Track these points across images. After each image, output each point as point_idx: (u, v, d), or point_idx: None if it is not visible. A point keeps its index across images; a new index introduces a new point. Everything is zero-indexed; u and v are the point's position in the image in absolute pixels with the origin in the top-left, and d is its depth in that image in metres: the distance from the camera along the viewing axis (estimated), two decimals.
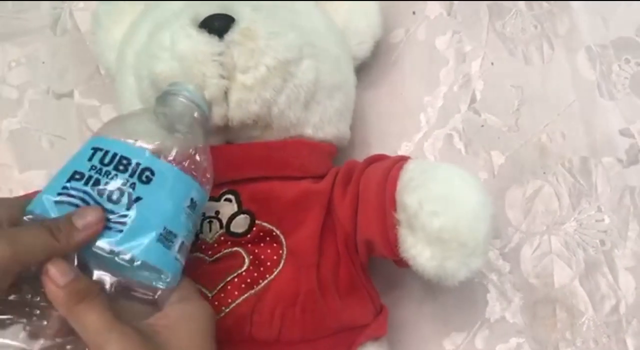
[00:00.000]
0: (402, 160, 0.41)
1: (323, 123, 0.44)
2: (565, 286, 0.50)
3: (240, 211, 0.41)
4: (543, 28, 0.56)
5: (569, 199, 0.52)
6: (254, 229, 0.41)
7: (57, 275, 0.30)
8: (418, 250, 0.38)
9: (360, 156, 0.52)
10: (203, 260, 0.41)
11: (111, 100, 0.55)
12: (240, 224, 0.41)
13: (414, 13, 0.56)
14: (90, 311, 0.30)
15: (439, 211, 0.37)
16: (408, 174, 0.39)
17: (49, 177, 0.52)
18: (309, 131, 0.43)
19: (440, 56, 0.55)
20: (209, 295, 0.40)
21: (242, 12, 0.39)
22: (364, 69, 0.52)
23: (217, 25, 0.39)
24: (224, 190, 0.41)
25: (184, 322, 0.34)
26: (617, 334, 0.49)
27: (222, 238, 0.41)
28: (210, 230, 0.41)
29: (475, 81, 0.54)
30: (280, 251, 0.41)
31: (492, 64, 0.55)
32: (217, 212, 0.41)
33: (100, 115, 0.55)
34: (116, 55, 0.47)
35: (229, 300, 0.40)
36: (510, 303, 0.50)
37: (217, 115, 0.39)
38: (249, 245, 0.41)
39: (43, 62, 0.56)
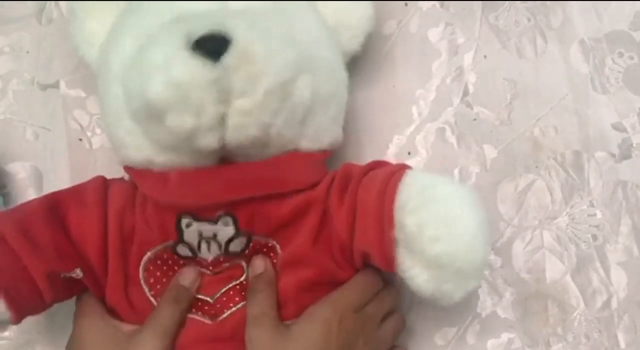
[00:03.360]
0: (400, 171, 0.40)
1: (318, 134, 0.42)
2: (557, 281, 0.50)
3: (237, 234, 0.40)
4: (536, 21, 0.55)
5: (561, 194, 0.52)
6: (251, 245, 0.41)
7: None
8: (416, 272, 0.38)
9: (351, 150, 0.51)
10: (204, 274, 0.42)
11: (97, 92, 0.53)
12: (237, 245, 0.41)
13: (406, 4, 0.56)
14: None
15: (439, 236, 0.36)
16: (406, 190, 0.38)
17: (34, 170, 0.52)
18: (304, 144, 0.42)
19: (433, 48, 0.55)
20: (211, 301, 0.41)
21: (236, 31, 0.36)
22: (355, 62, 0.51)
23: (213, 47, 0.36)
24: (220, 213, 0.40)
25: None
26: (609, 329, 0.49)
27: (221, 259, 0.41)
28: (209, 251, 0.41)
29: (467, 74, 0.54)
30: (275, 260, 0.41)
31: (485, 56, 0.54)
32: (215, 235, 0.40)
33: (87, 107, 0.54)
34: (98, 55, 0.45)
35: (231, 305, 0.41)
36: (501, 298, 0.50)
37: (214, 139, 0.37)
38: (247, 258, 0.42)
39: (27, 52, 0.55)
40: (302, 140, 0.41)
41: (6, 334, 0.50)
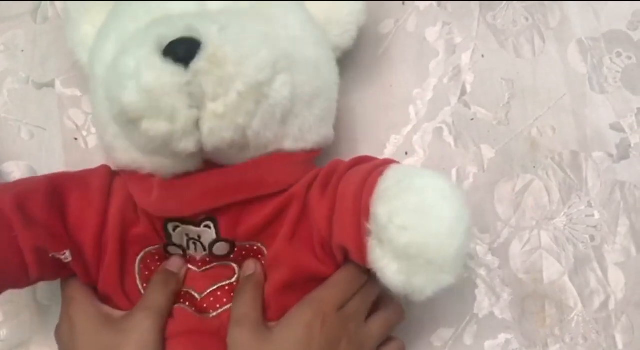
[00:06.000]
0: (384, 165, 0.40)
1: (303, 133, 0.42)
2: (554, 282, 0.50)
3: (219, 239, 0.41)
4: (534, 20, 0.55)
5: (559, 194, 0.51)
6: (236, 249, 0.41)
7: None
8: (385, 263, 0.37)
9: (347, 149, 0.51)
10: (193, 271, 0.42)
11: None
12: (221, 249, 0.41)
13: (403, 4, 0.55)
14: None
15: (408, 226, 0.35)
16: (385, 182, 0.38)
17: (29, 169, 0.52)
18: (288, 144, 0.41)
19: (430, 48, 0.54)
20: (198, 297, 0.41)
21: (207, 34, 0.36)
22: (352, 61, 0.51)
23: (182, 52, 0.36)
24: (202, 217, 0.40)
25: None
26: (606, 330, 0.49)
27: (208, 259, 0.42)
28: (196, 250, 0.42)
29: (465, 73, 0.54)
30: (264, 262, 0.41)
31: (483, 56, 0.54)
32: (199, 236, 0.41)
33: (82, 106, 0.53)
34: (88, 56, 0.45)
35: (217, 306, 0.41)
36: (499, 298, 0.50)
37: (190, 143, 0.37)
38: (236, 260, 0.42)
39: (22, 50, 0.54)
40: (285, 140, 0.41)
41: (0, 334, 0.49)
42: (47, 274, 0.41)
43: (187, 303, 0.41)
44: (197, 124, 0.37)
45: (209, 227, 0.40)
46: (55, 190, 0.41)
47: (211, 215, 0.40)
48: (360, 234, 0.38)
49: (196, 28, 0.37)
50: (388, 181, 0.37)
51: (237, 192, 0.40)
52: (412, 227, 0.35)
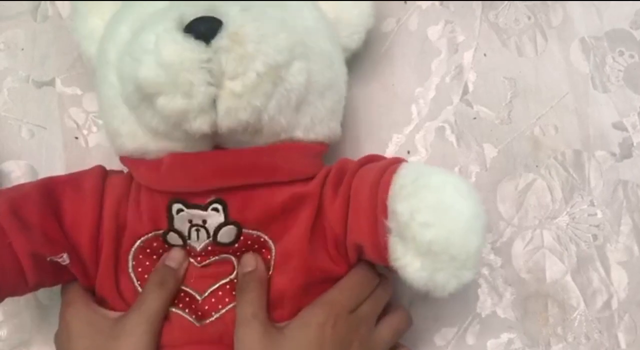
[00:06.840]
0: (396, 162, 0.40)
1: (314, 124, 0.42)
2: (557, 281, 0.50)
3: (227, 222, 0.40)
4: (536, 19, 0.55)
5: (562, 193, 0.51)
6: (242, 238, 0.40)
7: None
8: (408, 261, 0.37)
9: (350, 148, 0.51)
10: (193, 265, 0.41)
11: (94, 89, 0.53)
12: (227, 234, 0.40)
13: (405, 2, 0.55)
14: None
15: (431, 223, 0.36)
16: (400, 179, 0.38)
17: (29, 168, 0.52)
18: (299, 134, 0.41)
19: (432, 46, 0.54)
20: (199, 298, 0.41)
21: (229, 14, 0.37)
22: (354, 60, 0.51)
23: (204, 29, 0.36)
24: (211, 198, 0.40)
25: None
26: (609, 329, 0.49)
27: (210, 248, 0.41)
28: (197, 239, 0.41)
29: (467, 72, 0.53)
30: (269, 257, 0.41)
31: (485, 55, 0.54)
32: (204, 221, 0.40)
33: (83, 105, 0.53)
34: (97, 47, 0.45)
35: (219, 306, 0.40)
36: (501, 298, 0.50)
37: (205, 123, 0.37)
38: (238, 253, 0.41)
39: (22, 49, 0.54)
40: (296, 129, 0.41)
41: (0, 334, 0.49)
42: (45, 279, 0.40)
43: (187, 309, 0.41)
44: (213, 103, 0.37)
45: (217, 210, 0.40)
46: (49, 194, 0.41)
47: (220, 198, 0.40)
48: (377, 232, 0.38)
49: (217, 8, 0.37)
50: (403, 179, 0.38)
51: (251, 174, 0.40)
52: (434, 223, 0.36)
